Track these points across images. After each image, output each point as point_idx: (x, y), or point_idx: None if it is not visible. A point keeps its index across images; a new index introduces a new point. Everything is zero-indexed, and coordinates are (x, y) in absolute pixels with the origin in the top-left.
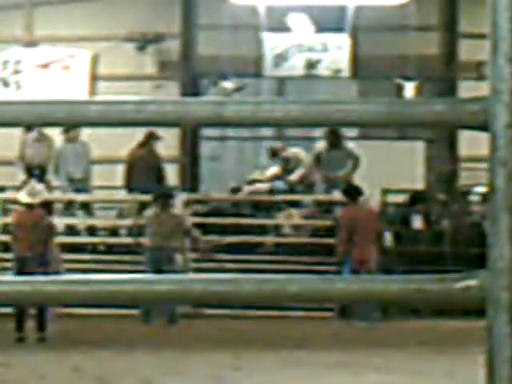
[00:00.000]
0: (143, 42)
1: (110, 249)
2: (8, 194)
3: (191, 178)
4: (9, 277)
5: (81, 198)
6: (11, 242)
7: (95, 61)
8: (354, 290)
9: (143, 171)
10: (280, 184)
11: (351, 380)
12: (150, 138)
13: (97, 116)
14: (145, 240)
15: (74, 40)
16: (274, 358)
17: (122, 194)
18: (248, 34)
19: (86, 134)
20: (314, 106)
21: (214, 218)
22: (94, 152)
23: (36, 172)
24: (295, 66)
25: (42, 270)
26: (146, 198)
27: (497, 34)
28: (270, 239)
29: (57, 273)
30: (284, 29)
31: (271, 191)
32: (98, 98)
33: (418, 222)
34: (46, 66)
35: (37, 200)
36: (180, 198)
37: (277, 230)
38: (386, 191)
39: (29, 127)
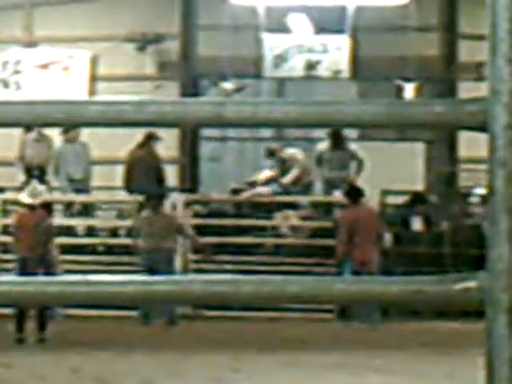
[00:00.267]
0: (143, 43)
1: (109, 250)
2: (8, 195)
3: (191, 179)
4: (8, 277)
5: (80, 198)
6: (12, 243)
7: (95, 61)
8: (354, 292)
9: (143, 172)
10: (274, 187)
11: (351, 381)
12: (150, 138)
13: (96, 116)
14: (139, 242)
15: (74, 40)
16: (273, 360)
17: (122, 195)
18: (248, 34)
19: (85, 134)
20: (313, 107)
21: (214, 219)
22: (94, 153)
23: (36, 173)
24: (295, 66)
25: (42, 271)
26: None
27: (496, 35)
28: (269, 240)
29: (55, 274)
30: (284, 29)
31: (273, 194)
32: (98, 98)
33: (417, 224)
34: (45, 66)
35: (37, 201)
36: (179, 199)
37: (275, 231)
38: (385, 192)
39: (28, 127)
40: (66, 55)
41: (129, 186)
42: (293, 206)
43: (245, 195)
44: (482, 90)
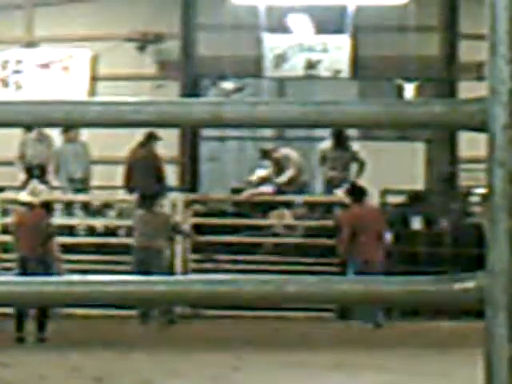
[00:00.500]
0: (143, 42)
1: (109, 249)
2: (8, 195)
3: (191, 179)
4: (7, 277)
5: (80, 198)
6: (12, 243)
7: (95, 61)
8: (353, 291)
9: (143, 171)
10: (269, 187)
11: (351, 381)
12: (150, 138)
13: (96, 116)
14: (132, 240)
15: (74, 40)
16: (273, 359)
17: (122, 195)
18: (248, 34)
19: (85, 134)
20: (312, 107)
21: (213, 219)
22: (94, 152)
23: (36, 172)
24: (295, 66)
25: (43, 271)
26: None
27: (495, 35)
28: (269, 240)
29: (58, 273)
30: (284, 29)
31: (278, 194)
32: (98, 98)
33: (417, 223)
34: (45, 66)
35: (37, 200)
36: (179, 199)
37: (271, 230)
38: (385, 192)
39: (29, 127)
40: (66, 55)
41: (129, 186)
42: (288, 204)
43: (245, 194)
44: (482, 89)
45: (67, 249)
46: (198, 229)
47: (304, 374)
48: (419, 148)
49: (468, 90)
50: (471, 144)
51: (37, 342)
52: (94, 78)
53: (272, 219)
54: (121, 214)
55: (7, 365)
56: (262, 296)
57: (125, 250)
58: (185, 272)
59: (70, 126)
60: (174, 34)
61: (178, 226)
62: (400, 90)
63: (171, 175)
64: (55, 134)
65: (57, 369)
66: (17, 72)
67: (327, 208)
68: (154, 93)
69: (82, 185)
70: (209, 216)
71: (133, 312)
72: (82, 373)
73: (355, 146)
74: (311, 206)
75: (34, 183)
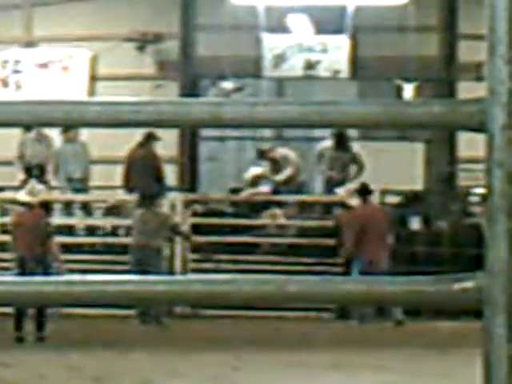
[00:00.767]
0: (143, 42)
1: (108, 249)
2: (7, 194)
3: (190, 179)
4: (6, 277)
5: (80, 197)
6: (11, 242)
7: (94, 61)
8: (354, 291)
9: (142, 171)
10: (264, 184)
11: (350, 380)
12: (149, 138)
13: (95, 117)
14: (130, 239)
15: (73, 40)
16: (272, 359)
17: (121, 194)
18: (247, 34)
19: (85, 133)
20: (311, 107)
21: (212, 218)
22: (93, 152)
23: (35, 172)
24: (294, 66)
25: (41, 270)
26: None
27: (494, 36)
28: (267, 240)
29: (57, 273)
30: (283, 29)
31: (273, 193)
32: (97, 98)
33: (416, 223)
34: (45, 65)
35: (35, 199)
36: (179, 199)
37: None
38: (385, 192)
39: (28, 127)
40: (65, 55)
41: (128, 186)
42: (283, 204)
43: (244, 194)
44: (481, 90)
45: (66, 248)
46: (197, 229)
47: (304, 373)
48: (418, 148)
49: (467, 90)
50: (470, 144)
51: (36, 342)
52: (94, 78)
53: (265, 219)
54: (120, 214)
55: (7, 364)
56: (262, 296)
57: (124, 249)
58: (184, 272)
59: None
60: (174, 34)
61: (177, 227)
62: (399, 91)
63: (170, 175)
64: (55, 134)
65: (56, 368)
66: (16, 72)
67: (326, 208)
68: (153, 93)
69: (81, 185)
70: (208, 216)
71: (132, 312)
72: (82, 372)
73: (356, 147)
74: (310, 206)
75: (33, 183)
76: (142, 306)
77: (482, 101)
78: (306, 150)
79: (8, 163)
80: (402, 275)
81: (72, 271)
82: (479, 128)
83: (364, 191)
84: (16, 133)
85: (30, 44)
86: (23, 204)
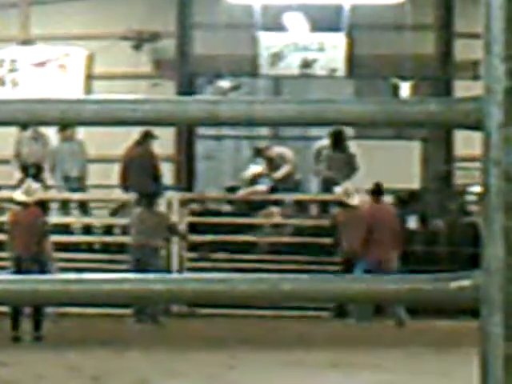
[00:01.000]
0: (139, 41)
1: (105, 248)
2: (3, 193)
3: (187, 177)
4: (2, 276)
5: (76, 196)
6: (7, 241)
7: (91, 59)
8: (349, 290)
9: (139, 170)
10: (265, 181)
11: (347, 380)
12: (146, 136)
13: (91, 115)
14: (129, 239)
15: (70, 38)
16: (269, 358)
17: (118, 193)
18: (244, 33)
19: (81, 132)
20: (308, 106)
21: (209, 217)
22: (90, 151)
23: (32, 171)
24: (291, 65)
25: (37, 269)
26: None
27: (490, 34)
28: (265, 239)
29: (51, 272)
30: (280, 28)
31: (271, 191)
32: (94, 96)
33: (412, 222)
34: (41, 64)
35: (31, 198)
36: (175, 197)
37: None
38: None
39: (24, 126)
40: (62, 53)
41: (125, 184)
42: (280, 203)
43: (240, 193)
44: (478, 88)
45: (63, 247)
46: (194, 227)
47: (301, 373)
48: (415, 147)
49: (464, 88)
50: (467, 143)
51: (33, 341)
52: (90, 77)
53: (262, 218)
54: (116, 213)
55: (4, 364)
56: (256, 295)
57: (121, 248)
58: (180, 270)
59: (66, 125)
60: (170, 33)
61: (174, 226)
62: (396, 89)
63: (167, 174)
64: (51, 133)
65: (54, 368)
66: (13, 70)
67: (323, 207)
68: (149, 91)
69: (78, 183)
70: (204, 215)
71: (128, 311)
72: (80, 372)
73: (352, 146)
74: (306, 205)
75: (29, 182)
76: (138, 305)
77: (478, 99)
78: (303, 148)
79: (5, 162)
80: (399, 274)
81: (69, 270)
82: (476, 126)
83: (377, 191)
84: (13, 131)
85: (26, 42)
86: (19, 203)
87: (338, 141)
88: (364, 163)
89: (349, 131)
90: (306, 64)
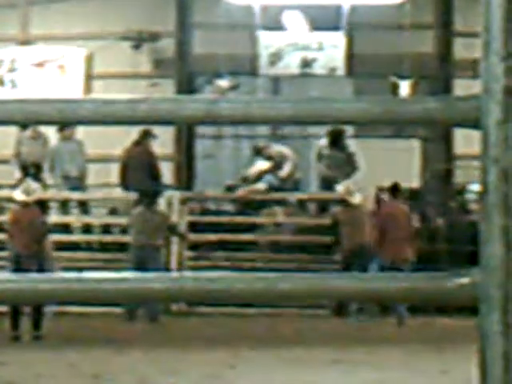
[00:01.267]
0: (138, 41)
1: (105, 247)
2: (3, 192)
3: (186, 176)
4: (1, 275)
5: (76, 196)
6: (7, 241)
7: (90, 59)
8: (348, 289)
9: (138, 169)
10: (270, 179)
11: (347, 377)
12: (146, 136)
13: (89, 115)
14: (128, 238)
15: (69, 39)
16: (270, 356)
17: (118, 192)
18: (243, 32)
19: (81, 132)
20: (306, 105)
21: (209, 216)
22: (90, 150)
23: (31, 170)
24: (290, 64)
25: (37, 268)
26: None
27: (489, 33)
28: (265, 238)
29: (50, 271)
30: (279, 27)
31: (268, 190)
32: (93, 96)
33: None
34: (41, 64)
35: (30, 198)
36: (175, 196)
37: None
38: (381, 189)
39: (24, 125)
40: (61, 53)
41: (124, 184)
42: (281, 202)
43: (240, 192)
44: (477, 87)
45: (63, 247)
46: (194, 226)
47: (301, 370)
48: (415, 145)
49: (463, 87)
50: (467, 141)
51: (33, 340)
52: (89, 77)
53: (263, 217)
54: (115, 212)
55: (4, 363)
56: (254, 294)
57: (120, 247)
58: (180, 269)
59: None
60: (169, 33)
61: (174, 227)
62: (395, 88)
63: (166, 173)
64: (51, 132)
65: (54, 367)
66: (12, 71)
67: (322, 206)
68: (149, 91)
69: (77, 183)
70: (204, 214)
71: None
72: (80, 371)
73: (352, 145)
74: (306, 204)
75: (29, 181)
76: (136, 304)
77: (477, 97)
78: (302, 147)
79: (4, 161)
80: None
81: (68, 269)
82: (474, 125)
83: (394, 188)
84: (12, 131)
85: (25, 42)
86: (19, 202)
87: (336, 139)
88: (364, 162)
89: (349, 130)
90: (306, 63)
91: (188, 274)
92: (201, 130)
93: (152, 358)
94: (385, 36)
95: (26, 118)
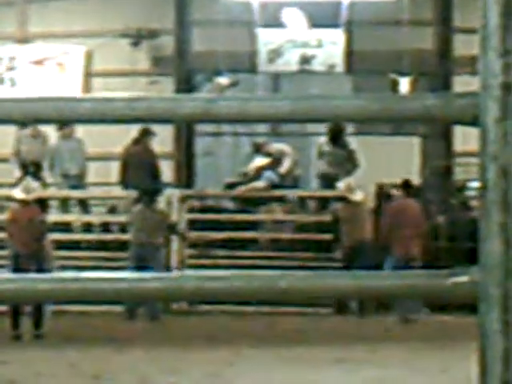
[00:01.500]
0: (137, 38)
1: (104, 245)
2: (3, 191)
3: (186, 174)
4: (1, 274)
5: (76, 194)
6: (6, 239)
7: (89, 57)
8: (347, 286)
9: (138, 167)
10: (270, 175)
11: (349, 376)
12: (145, 134)
13: (88, 113)
14: (127, 236)
15: (68, 36)
16: (270, 354)
17: (117, 191)
18: (242, 29)
19: (80, 130)
20: (305, 102)
21: (209, 214)
22: (89, 148)
23: (31, 169)
24: (289, 61)
25: (36, 267)
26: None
27: (487, 29)
28: (264, 235)
29: (49, 270)
30: (278, 24)
31: (268, 188)
32: (92, 94)
33: None
34: (40, 62)
35: (30, 196)
36: (175, 194)
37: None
38: (381, 186)
39: (23, 124)
40: (60, 51)
41: (124, 182)
42: (281, 200)
43: (240, 189)
44: (477, 83)
45: (63, 245)
46: (194, 224)
47: (302, 369)
48: (414, 142)
49: (463, 84)
50: (466, 138)
51: (33, 339)
52: (89, 74)
53: (263, 214)
54: (115, 210)
55: (4, 362)
56: (253, 292)
57: (120, 246)
58: (180, 267)
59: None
60: (168, 30)
61: (174, 226)
62: (394, 85)
63: (166, 171)
64: (51, 131)
65: (54, 366)
66: (11, 69)
67: (323, 203)
68: (148, 88)
69: (77, 181)
70: (204, 212)
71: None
72: (80, 370)
73: (353, 143)
74: (306, 201)
75: (28, 180)
76: (136, 303)
77: (475, 94)
78: (302, 144)
79: (4, 160)
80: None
81: (68, 268)
82: (473, 122)
83: (406, 185)
84: (12, 129)
85: (24, 40)
86: (19, 201)
87: (336, 137)
88: (364, 159)
89: (348, 127)
90: (305, 60)
91: (188, 272)
92: (200, 127)
93: (152, 357)
94: (384, 33)
95: (25, 116)
